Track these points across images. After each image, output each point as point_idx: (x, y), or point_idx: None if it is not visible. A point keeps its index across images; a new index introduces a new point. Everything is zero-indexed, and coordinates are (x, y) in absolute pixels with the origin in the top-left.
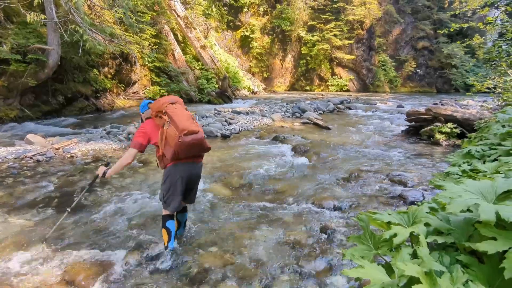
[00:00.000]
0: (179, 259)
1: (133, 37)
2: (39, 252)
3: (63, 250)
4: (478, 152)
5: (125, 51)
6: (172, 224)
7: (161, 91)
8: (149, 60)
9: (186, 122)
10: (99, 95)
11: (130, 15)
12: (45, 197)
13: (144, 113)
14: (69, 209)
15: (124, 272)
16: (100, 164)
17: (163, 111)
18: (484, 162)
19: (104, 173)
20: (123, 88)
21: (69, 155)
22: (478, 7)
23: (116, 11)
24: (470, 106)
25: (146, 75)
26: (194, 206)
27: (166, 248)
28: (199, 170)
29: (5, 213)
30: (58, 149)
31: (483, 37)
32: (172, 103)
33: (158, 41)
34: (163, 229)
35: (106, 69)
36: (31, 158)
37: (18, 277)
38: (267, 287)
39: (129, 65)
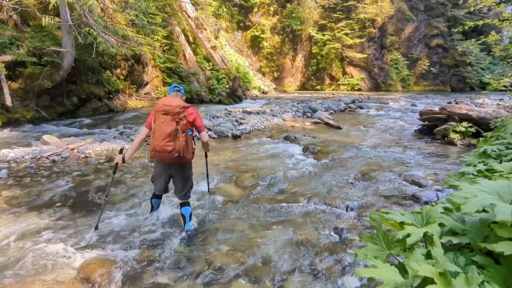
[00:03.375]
0: (192, 258)
1: (145, 38)
2: (55, 250)
3: (78, 248)
4: (494, 151)
5: (137, 53)
6: (156, 202)
7: None
8: (161, 61)
9: (160, 141)
10: (111, 96)
11: (142, 17)
12: (61, 196)
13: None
14: (106, 198)
15: (137, 271)
16: (115, 156)
17: (154, 119)
18: (500, 162)
19: (123, 159)
20: (135, 89)
21: (83, 155)
22: (493, 4)
23: (128, 13)
24: (486, 105)
25: (157, 76)
26: (206, 205)
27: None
28: (177, 169)
29: (23, 211)
30: (73, 149)
31: (499, 34)
32: (164, 113)
33: (170, 42)
34: (150, 201)
35: (118, 70)
36: (47, 158)
37: (34, 274)
38: (279, 287)
39: (141, 66)
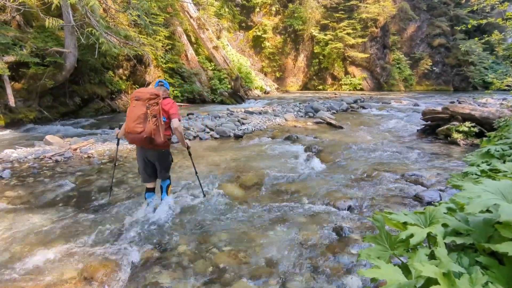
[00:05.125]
0: (194, 258)
1: (147, 39)
2: (58, 250)
3: (81, 247)
4: (498, 151)
5: (140, 53)
6: (148, 196)
7: (175, 91)
8: (163, 61)
9: (131, 123)
10: (114, 96)
11: (144, 17)
12: (64, 196)
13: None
14: (115, 165)
15: (140, 270)
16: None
17: (129, 106)
18: (504, 162)
19: (117, 133)
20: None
21: (86, 156)
22: (497, 2)
23: (130, 14)
24: (489, 104)
25: (159, 76)
26: (208, 205)
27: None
28: (152, 154)
29: (26, 211)
30: (75, 149)
31: (503, 33)
32: (136, 99)
33: (172, 42)
34: (144, 197)
35: (121, 70)
36: (50, 158)
37: (37, 274)
38: (282, 287)
39: (143, 66)
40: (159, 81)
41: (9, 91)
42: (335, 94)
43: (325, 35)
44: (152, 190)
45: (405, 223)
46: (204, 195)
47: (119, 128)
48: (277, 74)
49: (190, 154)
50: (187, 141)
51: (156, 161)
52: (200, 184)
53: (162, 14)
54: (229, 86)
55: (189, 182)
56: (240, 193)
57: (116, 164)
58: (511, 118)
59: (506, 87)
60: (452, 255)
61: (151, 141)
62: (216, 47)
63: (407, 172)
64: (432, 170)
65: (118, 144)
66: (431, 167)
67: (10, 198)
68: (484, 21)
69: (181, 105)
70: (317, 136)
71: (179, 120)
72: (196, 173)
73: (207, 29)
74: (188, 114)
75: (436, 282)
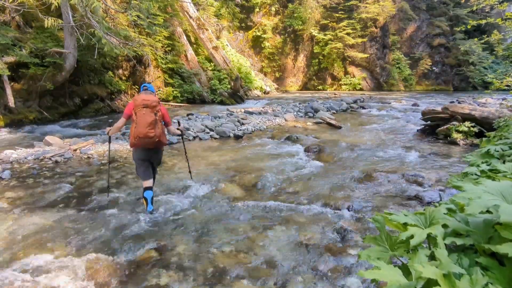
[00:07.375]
0: (194, 259)
1: (146, 39)
2: (57, 250)
3: (80, 250)
4: (498, 151)
5: (139, 53)
6: (147, 194)
7: (174, 92)
8: (163, 61)
9: (144, 129)
10: (114, 96)
11: (145, 18)
12: (64, 197)
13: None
14: (109, 163)
15: (140, 271)
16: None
17: (135, 112)
18: (504, 162)
19: (109, 131)
20: (137, 90)
21: (86, 156)
22: (496, 2)
23: (130, 14)
24: (488, 104)
25: (159, 76)
26: (208, 206)
27: (147, 211)
28: (154, 152)
29: (26, 212)
30: (75, 150)
31: (502, 33)
32: (144, 107)
33: (171, 42)
34: (142, 196)
35: (120, 71)
36: (50, 159)
37: (37, 275)
38: None
39: (143, 67)
40: (144, 85)
41: (8, 91)
42: (335, 94)
43: (325, 35)
44: (150, 188)
45: (405, 224)
46: (191, 178)
47: (110, 126)
48: (277, 74)
49: (183, 139)
50: (182, 126)
51: (154, 159)
52: (188, 165)
53: (162, 14)
54: (228, 86)
55: (189, 182)
56: (239, 193)
57: (111, 161)
58: (510, 118)
59: (505, 87)
60: (452, 256)
61: (160, 144)
62: (215, 47)
63: (407, 172)
64: (432, 170)
65: (110, 141)
66: (431, 167)
67: (10, 199)
68: (484, 21)
69: (181, 105)
70: (317, 136)
71: None
72: (186, 152)
73: (207, 29)
74: (187, 115)
75: (436, 283)
